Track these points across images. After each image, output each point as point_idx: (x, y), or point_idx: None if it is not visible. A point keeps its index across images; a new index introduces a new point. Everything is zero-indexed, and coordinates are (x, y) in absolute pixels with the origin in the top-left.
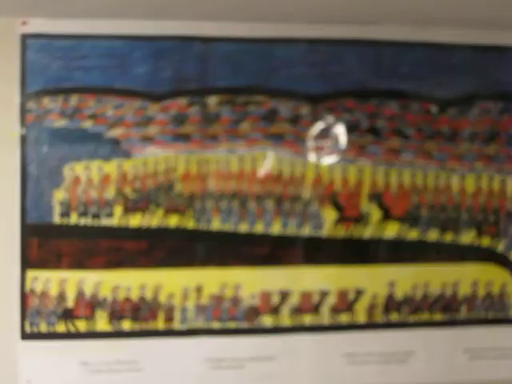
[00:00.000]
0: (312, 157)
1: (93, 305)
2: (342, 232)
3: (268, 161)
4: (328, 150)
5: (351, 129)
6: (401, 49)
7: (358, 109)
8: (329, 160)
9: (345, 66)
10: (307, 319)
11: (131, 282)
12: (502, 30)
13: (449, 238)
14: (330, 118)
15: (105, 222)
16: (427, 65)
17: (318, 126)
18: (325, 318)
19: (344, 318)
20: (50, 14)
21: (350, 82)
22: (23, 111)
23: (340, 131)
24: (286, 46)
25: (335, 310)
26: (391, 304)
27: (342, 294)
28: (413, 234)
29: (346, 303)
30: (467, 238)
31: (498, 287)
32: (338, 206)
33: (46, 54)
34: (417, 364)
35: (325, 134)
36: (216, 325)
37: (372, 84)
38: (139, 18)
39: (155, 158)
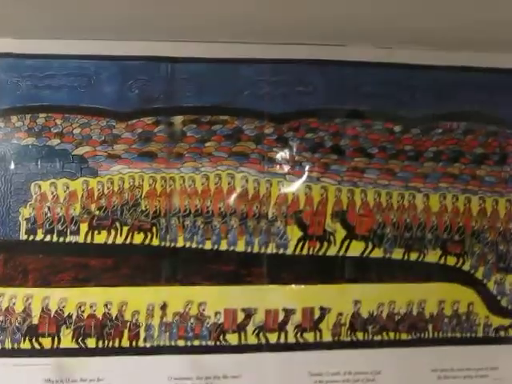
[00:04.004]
0: (276, 175)
1: (58, 322)
2: (306, 250)
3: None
4: (292, 169)
5: (315, 148)
6: (364, 69)
7: (321, 128)
8: (293, 179)
9: (308, 86)
10: (272, 337)
11: (96, 299)
12: (461, 51)
13: (414, 256)
14: (294, 138)
15: (70, 238)
16: (390, 85)
17: (282, 145)
18: (290, 336)
19: (310, 337)
20: (19, 34)
21: (314, 102)
22: None
23: (304, 150)
24: (250, 66)
25: (300, 329)
26: (357, 323)
27: (307, 313)
28: (377, 253)
29: (311, 321)
30: (432, 256)
31: (465, 306)
32: (302, 225)
33: (15, 73)
34: (385, 383)
35: (289, 153)
36: (181, 343)
37: (335, 104)
38: (107, 38)
39: (121, 176)
